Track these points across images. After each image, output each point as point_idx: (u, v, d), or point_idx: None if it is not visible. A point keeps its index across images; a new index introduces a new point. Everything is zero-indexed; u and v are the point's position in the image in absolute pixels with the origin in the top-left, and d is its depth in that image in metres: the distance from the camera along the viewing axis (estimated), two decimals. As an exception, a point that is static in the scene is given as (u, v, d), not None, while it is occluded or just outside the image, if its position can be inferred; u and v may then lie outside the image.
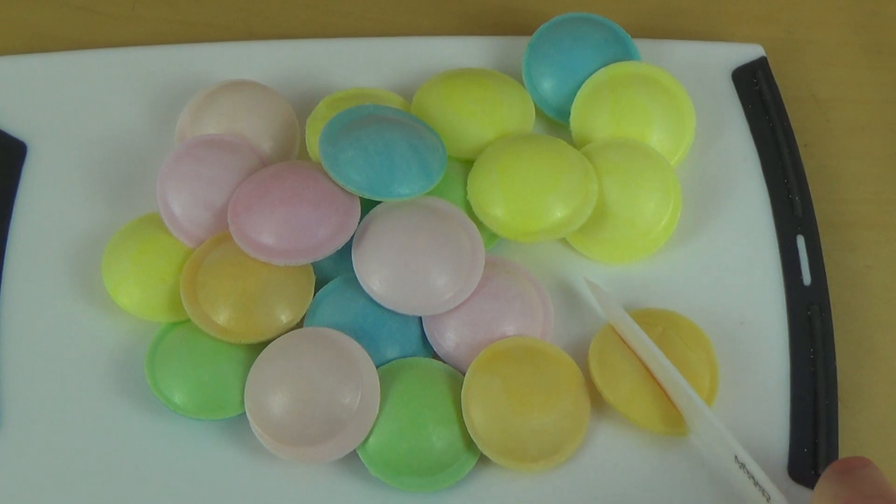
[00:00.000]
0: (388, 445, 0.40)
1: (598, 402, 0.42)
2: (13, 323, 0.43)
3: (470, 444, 0.40)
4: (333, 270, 0.43)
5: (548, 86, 0.48)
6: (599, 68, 0.47)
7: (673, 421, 0.41)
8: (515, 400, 0.40)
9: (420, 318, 0.43)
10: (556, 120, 0.48)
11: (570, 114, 0.47)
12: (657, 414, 0.41)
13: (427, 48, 0.50)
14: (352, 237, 0.42)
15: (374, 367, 0.40)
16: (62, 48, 0.51)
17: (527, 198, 0.44)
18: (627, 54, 0.48)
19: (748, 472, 0.39)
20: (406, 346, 0.42)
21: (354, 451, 0.40)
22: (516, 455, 0.40)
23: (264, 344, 0.41)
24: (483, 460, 0.40)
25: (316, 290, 0.43)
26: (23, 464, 0.40)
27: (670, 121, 0.47)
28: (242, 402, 0.40)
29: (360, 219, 0.43)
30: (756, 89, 0.50)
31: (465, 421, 0.40)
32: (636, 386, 0.41)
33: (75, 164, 0.47)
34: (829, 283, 0.45)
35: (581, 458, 0.41)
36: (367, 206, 0.43)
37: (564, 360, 0.41)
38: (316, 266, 0.43)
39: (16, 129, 0.47)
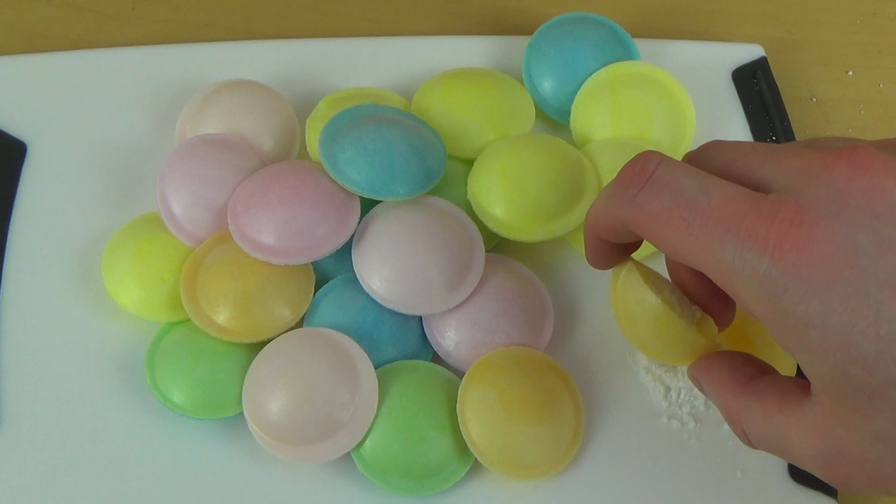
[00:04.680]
0: (380, 446, 0.40)
1: (592, 410, 0.42)
2: (13, 323, 0.43)
3: (462, 452, 0.40)
4: (333, 270, 0.43)
5: (548, 86, 0.48)
6: (599, 68, 0.47)
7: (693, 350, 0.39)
8: (511, 410, 0.40)
9: (420, 318, 0.43)
10: (556, 120, 0.48)
11: (570, 114, 0.47)
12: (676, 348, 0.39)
13: (427, 48, 0.50)
14: (352, 236, 0.42)
15: (373, 369, 0.40)
16: (62, 48, 0.51)
17: (527, 198, 0.44)
18: (627, 54, 0.48)
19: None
20: (406, 346, 0.42)
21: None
22: (513, 464, 0.40)
23: (264, 343, 0.41)
24: (476, 469, 0.40)
25: (316, 290, 0.43)
26: (23, 463, 0.40)
27: (670, 121, 0.47)
28: (241, 401, 0.40)
29: (360, 218, 0.43)
30: (756, 89, 0.50)
31: (462, 431, 0.40)
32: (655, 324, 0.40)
33: (75, 164, 0.47)
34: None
35: (577, 467, 0.41)
36: (367, 205, 0.43)
37: (558, 370, 0.41)
38: (316, 265, 0.43)
39: (16, 129, 0.47)
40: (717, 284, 0.31)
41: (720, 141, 0.34)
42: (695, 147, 0.47)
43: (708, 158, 0.34)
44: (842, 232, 0.29)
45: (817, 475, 0.32)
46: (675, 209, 0.31)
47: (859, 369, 0.28)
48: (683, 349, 0.38)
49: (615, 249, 0.37)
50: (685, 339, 0.38)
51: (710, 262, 0.31)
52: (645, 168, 0.33)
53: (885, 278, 0.28)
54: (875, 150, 0.30)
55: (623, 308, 0.39)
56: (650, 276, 0.40)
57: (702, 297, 0.38)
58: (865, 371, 0.28)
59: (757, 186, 0.31)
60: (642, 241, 0.38)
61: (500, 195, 0.44)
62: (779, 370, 0.40)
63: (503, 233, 0.44)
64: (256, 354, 0.41)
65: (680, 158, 0.46)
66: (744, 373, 0.35)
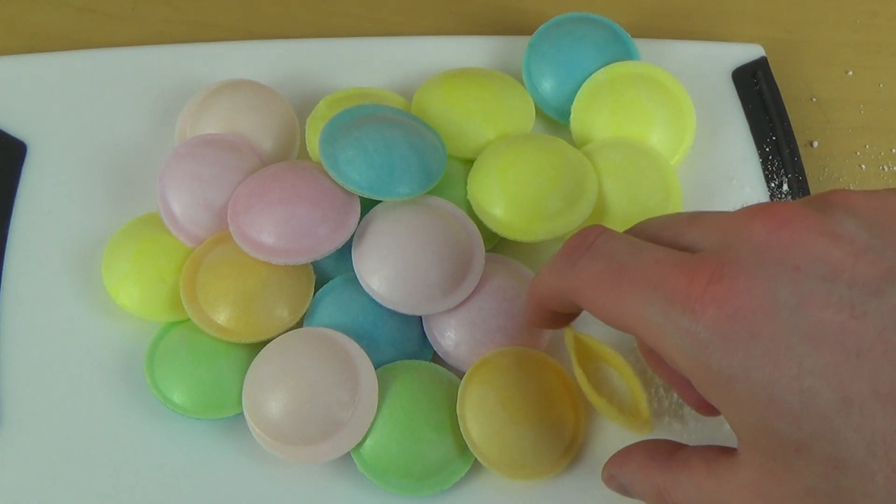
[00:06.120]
0: (380, 446, 0.40)
1: (592, 410, 0.42)
2: (13, 323, 0.43)
3: (462, 452, 0.40)
4: (333, 270, 0.43)
5: (548, 86, 0.48)
6: (599, 68, 0.47)
7: (634, 415, 0.41)
8: (511, 410, 0.40)
9: (420, 318, 0.43)
10: (556, 120, 0.48)
11: (570, 114, 0.47)
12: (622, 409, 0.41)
13: (427, 48, 0.50)
14: (352, 236, 0.42)
15: (373, 369, 0.40)
16: (62, 48, 0.51)
17: (527, 198, 0.44)
18: (627, 54, 0.48)
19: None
20: (406, 346, 0.42)
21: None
22: (513, 464, 0.40)
23: (264, 343, 0.41)
24: (476, 469, 0.40)
25: (316, 290, 0.43)
26: (23, 464, 0.40)
27: (670, 121, 0.47)
28: (241, 401, 0.40)
29: (360, 218, 0.43)
30: (756, 89, 0.50)
31: (462, 432, 0.40)
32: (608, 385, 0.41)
33: (75, 164, 0.47)
34: (829, 282, 0.45)
35: (577, 467, 0.41)
36: (367, 205, 0.43)
37: (558, 370, 0.41)
38: (316, 265, 0.43)
39: (16, 129, 0.47)
40: (648, 344, 0.31)
41: (650, 218, 0.35)
42: (695, 147, 0.47)
43: (639, 231, 0.34)
44: (762, 285, 0.29)
45: None
46: (607, 272, 0.32)
47: (785, 423, 0.28)
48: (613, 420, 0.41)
49: (555, 316, 0.38)
50: (607, 413, 0.40)
51: (638, 322, 0.31)
52: (585, 240, 0.33)
53: (806, 331, 0.28)
54: (794, 204, 0.30)
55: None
56: (590, 347, 0.41)
57: (675, 380, 0.38)
58: (791, 425, 0.28)
59: (685, 250, 0.32)
60: (581, 311, 0.38)
61: (500, 195, 0.44)
62: None
63: (503, 233, 0.44)
64: (256, 354, 0.41)
65: (680, 158, 0.47)
66: (662, 451, 0.35)
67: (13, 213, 0.45)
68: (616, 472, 0.36)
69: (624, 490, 0.37)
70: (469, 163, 0.46)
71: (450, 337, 0.42)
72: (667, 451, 0.35)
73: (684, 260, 0.30)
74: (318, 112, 0.46)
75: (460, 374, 0.41)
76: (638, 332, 0.31)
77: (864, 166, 0.50)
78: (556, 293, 0.35)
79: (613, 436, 0.41)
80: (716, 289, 0.29)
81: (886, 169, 0.50)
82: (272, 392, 0.40)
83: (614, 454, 0.37)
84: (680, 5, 0.54)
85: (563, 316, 0.38)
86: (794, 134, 0.48)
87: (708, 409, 0.37)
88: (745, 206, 0.33)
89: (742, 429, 0.30)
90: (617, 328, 0.33)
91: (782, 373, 0.28)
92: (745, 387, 0.29)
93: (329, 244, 0.42)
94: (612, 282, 0.32)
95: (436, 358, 0.43)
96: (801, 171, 0.47)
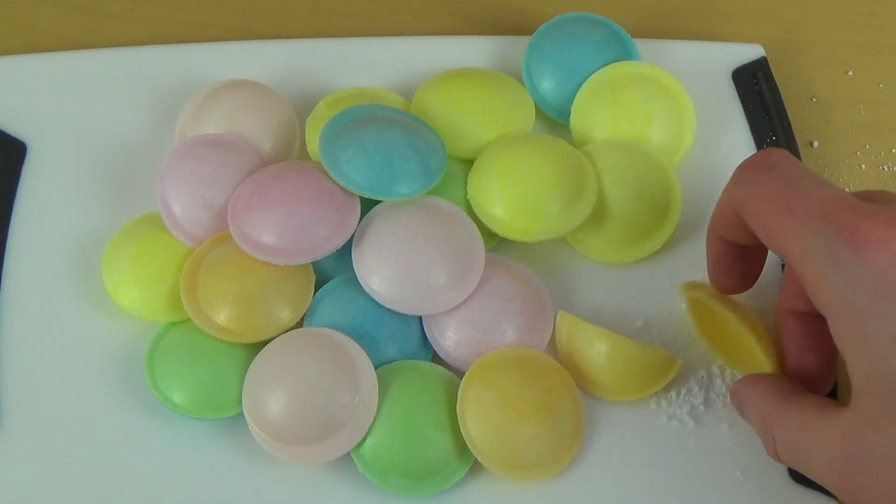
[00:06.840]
0: (380, 446, 0.40)
1: (592, 410, 0.42)
2: (13, 323, 0.43)
3: (462, 452, 0.40)
4: (333, 270, 0.43)
5: (548, 86, 0.48)
6: (599, 68, 0.47)
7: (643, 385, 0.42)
8: (511, 410, 0.40)
9: (420, 318, 0.43)
10: (556, 120, 0.48)
11: (570, 114, 0.47)
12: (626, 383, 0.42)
13: (427, 48, 0.50)
14: (352, 237, 0.42)
15: (373, 368, 0.40)
16: (62, 48, 0.51)
17: (527, 198, 0.44)
18: (627, 54, 0.48)
19: None
20: (406, 346, 0.42)
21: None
22: (514, 465, 0.40)
23: (264, 343, 0.41)
24: (476, 469, 0.40)
25: (316, 290, 0.43)
26: (23, 464, 0.40)
27: (670, 121, 0.47)
28: (241, 401, 0.40)
29: (360, 218, 0.43)
30: (756, 89, 0.50)
31: (462, 432, 0.40)
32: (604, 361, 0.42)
33: (75, 164, 0.47)
34: (829, 282, 0.45)
35: (577, 467, 0.41)
36: (367, 205, 0.43)
37: (557, 369, 0.41)
38: (316, 265, 0.43)
39: (16, 129, 0.47)
40: (795, 271, 0.32)
41: None
42: (695, 147, 0.47)
43: None
44: None
45: (830, 486, 0.32)
46: (784, 192, 0.33)
47: None
48: (641, 371, 0.41)
49: (735, 258, 0.39)
50: (642, 355, 0.41)
51: (796, 246, 0.32)
52: (769, 157, 0.35)
53: None
54: None
55: (571, 358, 0.42)
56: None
57: (802, 344, 0.39)
58: None
59: None
60: (763, 257, 0.40)
61: (500, 195, 0.44)
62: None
63: (503, 233, 0.44)
64: (256, 354, 0.41)
65: (680, 158, 0.47)
66: (787, 387, 0.36)
67: (13, 213, 0.45)
68: (741, 390, 0.38)
69: (741, 408, 0.38)
70: (469, 163, 0.46)
71: (450, 337, 0.42)
72: (791, 389, 0.36)
73: (862, 204, 0.31)
74: (318, 112, 0.46)
75: (460, 374, 0.41)
76: (793, 257, 0.32)
77: (863, 166, 0.50)
78: (730, 210, 0.36)
79: (613, 435, 0.41)
80: (884, 231, 0.30)
81: (886, 169, 0.50)
82: (272, 392, 0.40)
83: (746, 376, 0.38)
84: (680, 5, 0.54)
85: (743, 260, 0.39)
86: (794, 134, 0.48)
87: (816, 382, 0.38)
88: None
89: (860, 370, 0.31)
90: (772, 249, 0.34)
91: None
92: (878, 325, 0.30)
93: (329, 244, 0.42)
94: (786, 203, 0.33)
95: (436, 358, 0.43)
96: (801, 171, 0.47)
